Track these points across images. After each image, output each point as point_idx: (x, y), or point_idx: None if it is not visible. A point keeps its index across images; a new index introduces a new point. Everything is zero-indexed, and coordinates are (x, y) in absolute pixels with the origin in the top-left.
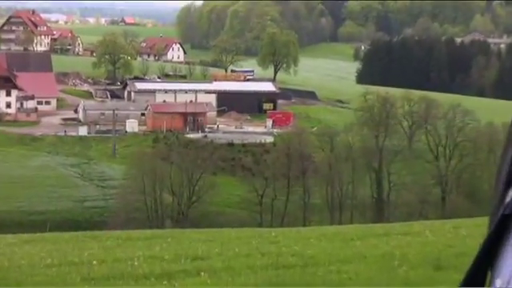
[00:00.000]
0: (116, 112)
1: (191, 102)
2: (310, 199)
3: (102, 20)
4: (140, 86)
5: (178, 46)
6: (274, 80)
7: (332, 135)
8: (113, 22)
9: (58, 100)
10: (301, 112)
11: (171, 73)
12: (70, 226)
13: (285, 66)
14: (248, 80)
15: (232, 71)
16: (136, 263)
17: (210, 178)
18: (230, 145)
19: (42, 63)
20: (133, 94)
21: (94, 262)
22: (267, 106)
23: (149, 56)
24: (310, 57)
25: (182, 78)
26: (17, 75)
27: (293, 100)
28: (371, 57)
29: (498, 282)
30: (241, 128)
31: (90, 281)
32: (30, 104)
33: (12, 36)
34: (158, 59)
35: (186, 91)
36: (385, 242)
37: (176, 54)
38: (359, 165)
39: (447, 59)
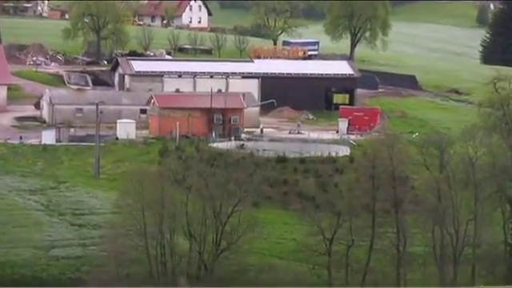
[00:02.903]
0: (101, 108)
1: (220, 91)
2: (408, 246)
3: None
4: (139, 66)
5: (199, 4)
6: (350, 57)
7: (443, 145)
8: None
9: (9, 89)
10: (393, 108)
11: (188, 46)
12: (29, 286)
13: (368, 35)
14: (310, 57)
15: (284, 43)
16: None
17: (248, 212)
18: (282, 160)
19: None
20: (127, 78)
21: None
22: (340, 98)
23: (153, 19)
24: (408, 21)
25: (206, 53)
26: None
27: (380, 89)
28: (505, 21)
29: None
30: (298, 133)
31: None
32: None
33: None
34: (168, 24)
35: (211, 75)
36: None
37: (196, 16)
38: (486, 192)
39: None
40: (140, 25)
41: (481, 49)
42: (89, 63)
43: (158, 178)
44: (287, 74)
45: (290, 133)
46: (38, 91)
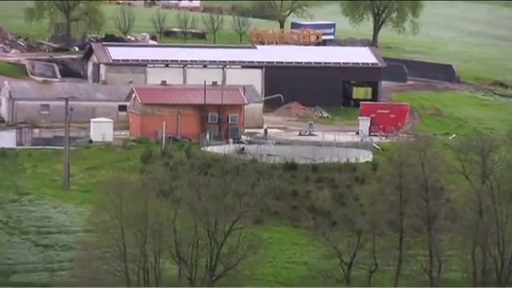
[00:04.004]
0: (71, 104)
1: (215, 84)
2: (442, 271)
3: None
4: (117, 53)
5: None
6: (373, 43)
7: (485, 150)
8: None
9: None
10: (425, 104)
11: (177, 29)
12: None
13: (394, 16)
14: (324, 43)
15: (293, 26)
16: None
17: (249, 230)
18: (290, 167)
19: None
20: (103, 68)
21: None
22: (361, 92)
23: None
24: None
25: (199, 38)
26: None
27: (410, 82)
28: None
29: None
30: (310, 134)
31: None
32: None
33: None
34: (153, 3)
35: (205, 64)
36: None
37: None
38: None
39: None
40: (119, 3)
41: None
42: (56, 50)
43: (141, 189)
44: (296, 62)
45: (300, 134)
46: None
